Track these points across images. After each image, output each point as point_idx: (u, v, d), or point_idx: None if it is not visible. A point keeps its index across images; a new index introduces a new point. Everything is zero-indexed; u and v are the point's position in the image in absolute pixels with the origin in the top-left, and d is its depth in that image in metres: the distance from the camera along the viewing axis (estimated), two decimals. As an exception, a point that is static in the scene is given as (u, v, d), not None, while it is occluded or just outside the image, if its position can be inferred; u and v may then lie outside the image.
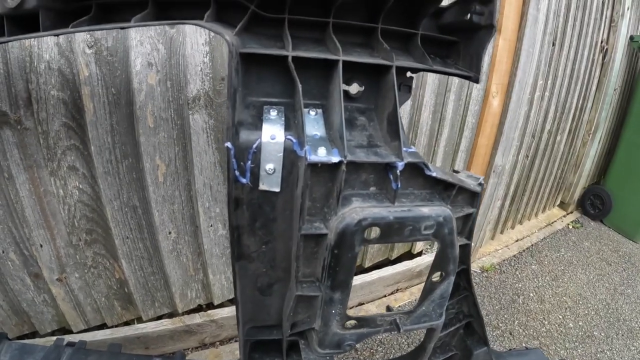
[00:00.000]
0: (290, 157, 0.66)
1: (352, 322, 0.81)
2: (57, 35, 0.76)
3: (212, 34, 1.29)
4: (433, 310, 0.86)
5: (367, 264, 2.13)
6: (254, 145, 0.66)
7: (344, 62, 0.67)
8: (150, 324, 1.59)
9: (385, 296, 2.17)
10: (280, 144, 0.66)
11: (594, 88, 3.05)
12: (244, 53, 0.65)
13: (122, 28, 0.71)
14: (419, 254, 2.39)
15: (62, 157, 1.25)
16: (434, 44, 0.83)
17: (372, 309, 2.07)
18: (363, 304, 2.09)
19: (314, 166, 0.63)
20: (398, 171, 0.65)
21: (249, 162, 0.67)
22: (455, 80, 1.94)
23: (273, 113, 0.69)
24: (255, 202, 0.71)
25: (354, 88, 0.74)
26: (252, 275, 0.81)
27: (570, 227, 3.35)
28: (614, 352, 2.07)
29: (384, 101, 0.72)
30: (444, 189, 0.76)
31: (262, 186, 0.68)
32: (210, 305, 1.72)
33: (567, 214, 3.51)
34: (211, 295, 1.69)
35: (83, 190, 1.33)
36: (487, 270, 2.57)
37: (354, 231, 0.65)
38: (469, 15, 0.72)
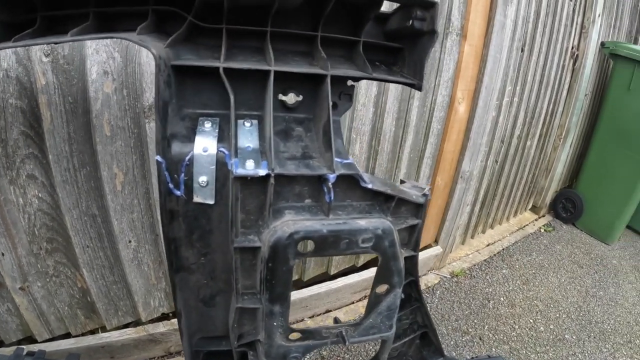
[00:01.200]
0: (223, 170, 0.66)
1: (296, 334, 0.81)
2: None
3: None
4: (382, 322, 0.86)
5: (332, 271, 2.12)
6: (187, 158, 0.66)
7: (280, 72, 0.67)
8: (115, 333, 1.57)
9: (353, 303, 2.16)
10: (213, 156, 0.66)
11: (564, 93, 3.11)
12: (176, 65, 0.65)
13: (55, 43, 0.70)
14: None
15: (21, 165, 1.23)
16: (380, 51, 0.83)
17: (340, 316, 2.06)
18: (330, 310, 2.08)
19: (243, 179, 0.63)
20: (330, 183, 0.65)
21: (182, 174, 0.67)
22: (425, 86, 1.94)
23: (207, 125, 0.69)
24: (190, 214, 0.70)
25: (291, 98, 0.74)
26: (193, 287, 0.80)
27: (542, 230, 3.40)
28: (586, 354, 2.09)
29: (321, 111, 0.72)
30: (384, 200, 0.76)
31: (196, 198, 0.68)
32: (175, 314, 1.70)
33: (539, 218, 3.56)
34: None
35: (42, 198, 1.31)
36: (457, 275, 2.59)
37: (286, 244, 0.65)
38: (410, 21, 0.72)
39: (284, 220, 0.66)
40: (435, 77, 2.00)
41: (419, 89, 0.78)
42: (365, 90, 1.75)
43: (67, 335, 1.54)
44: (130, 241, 1.46)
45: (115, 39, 1.18)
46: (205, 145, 0.65)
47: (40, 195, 1.30)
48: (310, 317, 2.01)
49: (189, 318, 0.81)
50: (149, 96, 1.30)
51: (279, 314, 0.73)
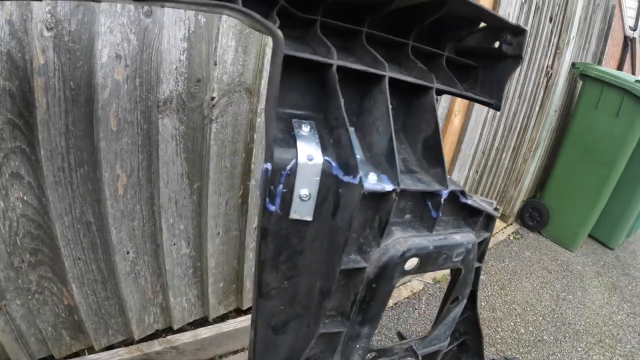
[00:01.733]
0: (327, 182, 0.57)
1: (372, 353, 0.77)
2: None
3: (192, 26, 1.16)
4: (443, 332, 0.85)
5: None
6: (288, 167, 0.56)
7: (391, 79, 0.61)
8: (104, 355, 1.38)
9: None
10: (319, 166, 0.57)
11: (537, 109, 3.28)
12: (288, 55, 0.55)
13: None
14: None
15: (4, 161, 1.02)
16: (451, 67, 0.80)
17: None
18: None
19: (368, 195, 0.55)
20: (442, 199, 0.59)
21: (281, 185, 0.56)
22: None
23: (305, 129, 0.60)
24: (282, 232, 0.60)
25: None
26: (268, 314, 0.70)
27: (511, 238, 3.56)
28: (564, 353, 2.22)
29: (419, 123, 0.67)
30: (469, 214, 0.73)
31: (293, 215, 0.58)
32: (169, 330, 1.55)
33: (508, 226, 3.72)
34: (170, 320, 1.51)
35: (28, 202, 1.10)
36: (439, 281, 2.64)
37: (397, 263, 0.59)
38: (497, 44, 0.72)
39: (394, 238, 0.60)
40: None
41: (497, 108, 0.77)
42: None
43: (50, 359, 1.33)
44: (128, 252, 1.30)
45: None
46: (309, 152, 0.56)
47: (25, 198, 1.09)
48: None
49: (258, 349, 0.72)
50: (165, 88, 1.16)
51: (365, 335, 0.68)
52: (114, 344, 1.44)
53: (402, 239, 0.59)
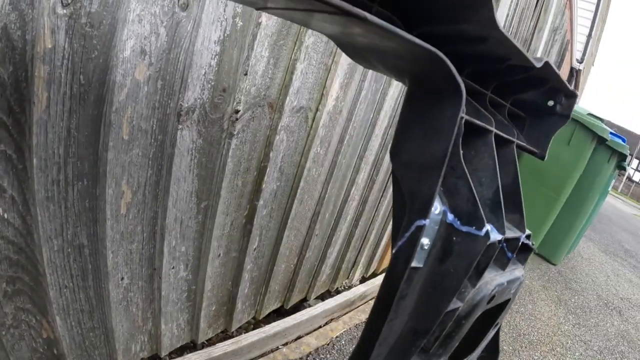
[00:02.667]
0: (441, 231, 0.58)
1: None
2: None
3: (229, 28, 1.07)
4: (477, 355, 0.89)
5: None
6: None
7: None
8: (81, 391, 1.21)
9: (320, 327, 2.12)
10: (439, 216, 0.58)
11: None
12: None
13: None
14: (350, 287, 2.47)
15: None
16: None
17: (312, 341, 1.99)
18: (302, 336, 2.01)
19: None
20: (520, 243, 0.69)
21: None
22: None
23: None
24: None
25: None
26: None
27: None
28: (524, 362, 2.48)
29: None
30: (520, 251, 0.80)
31: (414, 263, 0.59)
32: (156, 358, 1.43)
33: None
34: (158, 347, 1.39)
35: (9, 221, 0.90)
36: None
37: (486, 301, 0.66)
38: (551, 102, 0.81)
39: (485, 279, 0.64)
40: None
41: (542, 158, 0.87)
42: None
43: (22, 401, 1.15)
44: (122, 278, 1.17)
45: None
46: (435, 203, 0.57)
47: (6, 216, 0.89)
48: (284, 345, 1.92)
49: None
50: (190, 96, 1.06)
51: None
52: None
53: (489, 279, 0.66)
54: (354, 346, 0.74)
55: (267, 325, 1.77)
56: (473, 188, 0.56)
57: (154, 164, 1.09)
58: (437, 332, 0.64)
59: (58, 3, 0.76)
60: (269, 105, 1.30)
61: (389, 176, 2.16)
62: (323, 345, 1.98)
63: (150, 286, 1.27)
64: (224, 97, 1.16)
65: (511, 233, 0.67)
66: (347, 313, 2.28)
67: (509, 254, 0.68)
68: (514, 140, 0.72)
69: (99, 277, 1.13)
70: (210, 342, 1.62)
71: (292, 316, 1.89)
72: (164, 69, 0.98)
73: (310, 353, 1.91)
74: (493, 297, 0.65)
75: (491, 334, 0.87)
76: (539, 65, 0.63)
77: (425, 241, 0.58)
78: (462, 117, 0.52)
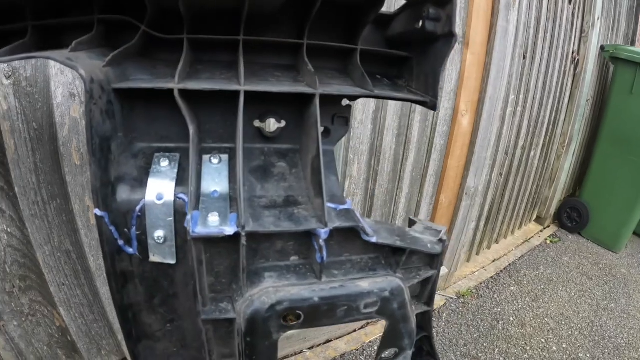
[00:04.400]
0: (184, 222, 0.50)
1: None
2: None
3: None
4: None
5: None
6: (137, 208, 0.51)
7: (254, 92, 0.52)
8: (99, 374, 1.43)
9: (355, 331, 2.01)
10: (170, 206, 0.51)
11: (566, 100, 3.00)
12: (122, 89, 0.50)
13: None
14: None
15: None
16: (382, 62, 0.68)
17: (341, 345, 1.91)
18: (331, 340, 1.93)
19: (208, 238, 0.47)
20: (322, 240, 0.49)
21: (134, 228, 0.51)
22: (440, 104, 1.82)
23: (164, 163, 0.54)
24: (149, 275, 0.56)
25: (271, 125, 0.58)
26: (162, 355, 0.65)
27: (548, 242, 3.27)
28: (601, 375, 1.95)
29: (308, 141, 0.57)
30: (391, 252, 0.61)
31: (153, 257, 0.53)
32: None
33: (544, 229, 3.43)
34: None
35: (12, 234, 1.18)
36: (463, 296, 2.44)
37: (267, 318, 0.50)
38: (420, 23, 0.56)
39: (262, 287, 0.51)
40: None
41: (433, 108, 0.62)
42: (363, 107, 1.61)
43: (49, 376, 1.40)
44: (107, 278, 1.32)
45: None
46: (160, 190, 0.50)
47: (9, 230, 1.17)
48: (309, 349, 1.87)
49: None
50: None
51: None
52: None
53: (272, 289, 0.50)
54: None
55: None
56: (191, 169, 0.47)
57: (110, 180, 1.21)
58: (230, 340, 0.54)
59: (2, 77, 1.01)
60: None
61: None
62: (352, 351, 1.91)
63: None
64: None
65: (287, 225, 0.51)
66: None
67: (318, 256, 0.51)
68: (314, 92, 0.53)
69: (89, 277, 1.32)
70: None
71: None
72: (94, 105, 1.12)
73: (334, 358, 1.83)
74: (282, 313, 0.50)
75: None
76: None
77: (157, 234, 0.51)
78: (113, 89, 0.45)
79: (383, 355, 0.67)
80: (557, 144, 3.13)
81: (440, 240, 0.65)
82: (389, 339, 0.63)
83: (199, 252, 0.48)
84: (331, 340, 1.93)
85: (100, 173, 0.49)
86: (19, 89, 1.04)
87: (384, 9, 0.60)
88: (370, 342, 1.96)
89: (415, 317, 0.66)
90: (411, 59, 0.66)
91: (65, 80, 1.08)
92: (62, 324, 1.34)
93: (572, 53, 2.83)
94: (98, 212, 0.49)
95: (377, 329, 2.04)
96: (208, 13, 0.57)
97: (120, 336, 1.42)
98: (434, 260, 0.65)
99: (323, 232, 0.49)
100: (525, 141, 2.73)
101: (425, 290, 0.70)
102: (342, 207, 0.55)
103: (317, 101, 0.53)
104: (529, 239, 3.25)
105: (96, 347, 1.43)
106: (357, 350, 1.90)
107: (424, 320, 0.74)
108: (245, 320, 0.50)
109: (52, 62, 1.04)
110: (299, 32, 0.60)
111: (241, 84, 0.50)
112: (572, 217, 3.41)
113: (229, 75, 0.57)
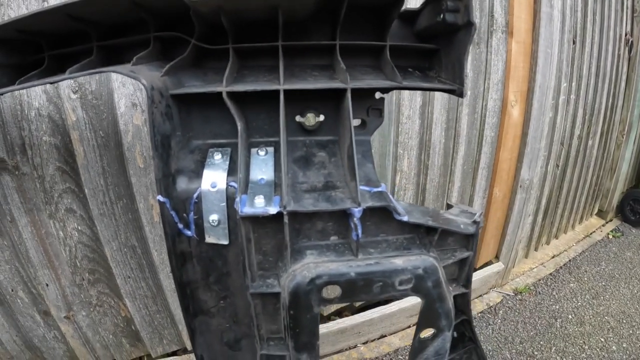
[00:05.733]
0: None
1: None
2: (1, 94, 0.73)
3: None
4: None
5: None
6: (195, 195, 0.59)
7: (294, 90, 0.59)
8: (160, 362, 1.56)
9: (409, 327, 2.01)
10: (222, 192, 0.59)
11: (623, 85, 2.80)
12: (179, 94, 0.58)
13: (51, 83, 0.68)
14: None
15: (59, 200, 1.26)
16: (412, 56, 0.72)
17: (395, 341, 1.93)
18: (385, 336, 1.95)
19: (255, 218, 0.54)
20: (356, 219, 0.55)
21: (192, 213, 0.60)
22: (467, 91, 1.80)
23: (217, 157, 0.62)
24: (205, 255, 0.64)
25: (310, 119, 0.65)
26: (215, 330, 0.73)
27: (610, 236, 3.06)
28: (668, 378, 1.81)
29: (344, 131, 0.62)
30: (425, 232, 0.65)
31: (209, 239, 0.61)
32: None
33: (606, 223, 3.21)
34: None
35: (82, 231, 1.33)
36: (521, 292, 2.37)
37: (308, 291, 0.56)
38: (441, 15, 0.60)
39: (304, 263, 0.57)
40: (484, 81, 1.84)
41: (460, 95, 0.65)
42: (409, 102, 1.63)
43: (114, 363, 1.55)
44: (170, 271, 1.44)
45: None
46: (214, 180, 0.58)
47: (79, 228, 1.32)
48: (363, 344, 1.90)
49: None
50: None
51: (308, 363, 0.64)
52: (169, 353, 1.62)
53: (312, 264, 0.55)
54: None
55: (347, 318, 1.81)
56: (240, 159, 0.54)
57: (171, 180, 1.33)
58: (277, 316, 0.61)
59: (70, 92, 1.17)
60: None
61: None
62: (405, 346, 1.92)
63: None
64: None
65: (324, 205, 0.55)
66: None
67: (354, 234, 0.56)
68: (345, 86, 0.58)
69: (153, 270, 1.45)
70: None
71: (362, 313, 1.86)
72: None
73: (388, 353, 1.86)
74: (321, 287, 0.54)
75: (433, 343, 0.70)
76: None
77: (212, 217, 0.58)
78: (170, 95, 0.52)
79: (421, 336, 0.71)
80: (616, 131, 2.93)
81: (475, 222, 0.68)
82: (426, 319, 0.67)
83: (248, 231, 0.55)
84: (385, 336, 1.95)
85: (162, 165, 0.57)
86: (86, 101, 1.18)
87: (412, 5, 0.65)
88: (425, 336, 1.96)
89: (452, 298, 0.69)
90: (439, 50, 0.69)
91: (127, 92, 1.20)
92: (127, 314, 1.49)
93: (625, 35, 2.65)
94: (161, 198, 0.57)
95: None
96: (247, 24, 0.65)
97: (181, 326, 1.54)
98: (469, 241, 0.68)
99: (356, 211, 0.54)
100: (581, 130, 2.59)
101: (463, 272, 0.72)
102: (376, 189, 0.60)
103: (348, 95, 0.59)
104: (590, 233, 3.07)
105: (158, 336, 1.56)
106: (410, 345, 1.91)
107: (463, 303, 0.76)
108: (288, 293, 0.56)
109: (114, 76, 1.17)
110: (332, 34, 0.66)
111: (280, 83, 0.57)
112: (635, 209, 3.16)
113: (271, 77, 0.64)
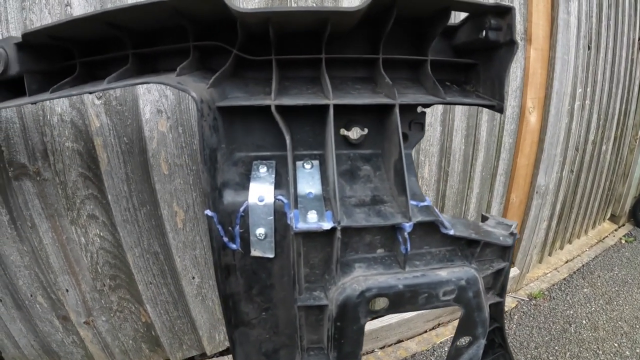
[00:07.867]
0: (283, 220, 0.59)
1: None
2: (34, 103, 0.73)
3: None
4: None
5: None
6: (241, 209, 0.60)
7: (338, 105, 0.60)
8: (180, 368, 1.56)
9: (425, 332, 2.02)
10: (270, 206, 0.59)
11: (636, 89, 2.79)
12: (224, 107, 0.59)
13: (90, 92, 0.67)
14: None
15: (81, 206, 1.26)
16: (450, 69, 0.73)
17: (412, 346, 1.94)
18: (402, 340, 1.96)
19: (306, 232, 0.56)
20: (406, 233, 0.56)
21: (237, 226, 0.61)
22: (507, 107, 1.80)
23: (262, 170, 0.63)
24: (248, 268, 0.65)
25: (355, 133, 0.66)
26: (255, 341, 0.74)
27: (623, 241, 3.05)
28: (682, 384, 1.80)
29: (390, 146, 0.63)
30: (467, 244, 0.66)
31: (254, 252, 0.62)
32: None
33: (619, 228, 3.20)
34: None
35: (104, 237, 1.33)
36: (535, 298, 2.36)
37: (357, 303, 0.57)
38: (483, 33, 0.61)
39: (353, 276, 0.58)
40: (504, 88, 1.85)
41: (500, 110, 0.66)
42: (431, 109, 1.64)
43: (133, 369, 1.55)
44: (193, 277, 1.45)
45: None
46: (260, 193, 0.59)
47: (101, 234, 1.32)
48: (380, 348, 1.90)
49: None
50: None
51: (349, 373, 0.65)
52: (188, 358, 1.62)
53: (361, 277, 0.56)
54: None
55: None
56: (290, 174, 0.55)
57: (196, 188, 1.34)
58: (319, 327, 0.61)
59: (94, 97, 1.16)
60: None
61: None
62: (422, 351, 1.92)
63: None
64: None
65: (376, 220, 0.56)
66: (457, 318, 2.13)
67: (402, 248, 0.56)
68: (393, 102, 0.59)
69: (175, 277, 1.45)
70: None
71: (380, 318, 1.86)
72: (179, 118, 1.25)
73: (405, 358, 1.85)
74: (370, 300, 0.55)
75: (468, 350, 0.69)
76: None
77: (259, 231, 0.59)
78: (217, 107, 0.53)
79: (458, 344, 0.73)
80: (629, 136, 2.92)
81: (512, 234, 0.69)
82: (464, 327, 0.68)
83: (299, 245, 0.56)
84: (402, 341, 1.95)
85: (210, 179, 0.58)
86: (110, 107, 1.17)
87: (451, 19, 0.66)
88: (441, 342, 1.96)
89: (488, 307, 0.71)
90: (477, 65, 0.70)
91: (152, 98, 1.19)
92: (148, 320, 1.49)
93: (638, 39, 2.65)
94: (209, 212, 0.58)
95: (447, 330, 2.04)
96: (289, 35, 0.65)
97: (202, 332, 1.55)
98: (505, 252, 0.69)
99: (407, 226, 0.55)
100: (595, 135, 2.59)
101: (498, 282, 0.73)
102: (422, 203, 0.61)
103: (397, 110, 0.60)
104: (603, 238, 3.06)
105: (178, 342, 1.56)
106: (428, 350, 1.91)
107: (497, 312, 0.78)
108: (337, 306, 0.57)
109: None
110: (372, 47, 0.67)
111: (330, 98, 0.58)
112: (648, 214, 3.17)
113: (315, 90, 0.65)
